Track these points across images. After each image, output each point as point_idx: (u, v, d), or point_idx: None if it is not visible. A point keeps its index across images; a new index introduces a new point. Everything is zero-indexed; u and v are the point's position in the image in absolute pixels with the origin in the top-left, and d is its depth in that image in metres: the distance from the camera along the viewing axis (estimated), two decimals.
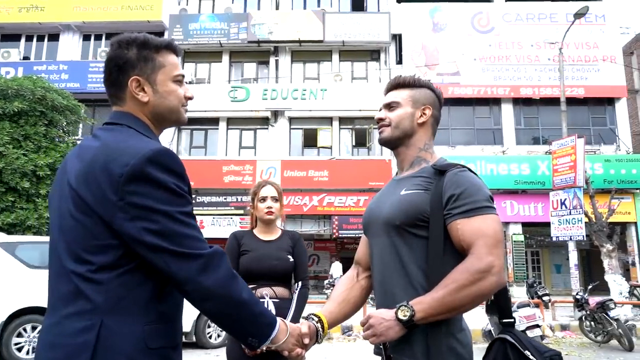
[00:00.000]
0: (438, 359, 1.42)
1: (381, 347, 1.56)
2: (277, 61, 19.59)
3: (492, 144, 18.40)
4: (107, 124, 1.38)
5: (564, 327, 10.68)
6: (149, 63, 1.37)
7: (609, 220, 12.78)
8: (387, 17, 18.98)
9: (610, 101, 18.72)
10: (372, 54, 19.75)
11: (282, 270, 2.79)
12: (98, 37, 19.99)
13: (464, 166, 1.59)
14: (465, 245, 1.45)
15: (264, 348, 2.56)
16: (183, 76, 1.45)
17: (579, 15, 13.15)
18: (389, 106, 1.71)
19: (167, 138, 18.55)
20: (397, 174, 1.77)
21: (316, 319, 1.64)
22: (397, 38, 19.28)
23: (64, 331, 1.19)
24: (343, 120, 19.06)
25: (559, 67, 14.64)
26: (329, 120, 19.02)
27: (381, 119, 1.72)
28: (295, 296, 2.81)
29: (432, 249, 1.49)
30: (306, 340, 1.54)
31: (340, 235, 17.94)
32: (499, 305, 1.57)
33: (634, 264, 17.17)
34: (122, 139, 1.29)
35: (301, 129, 19.13)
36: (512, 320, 1.55)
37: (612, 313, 8.45)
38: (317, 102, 18.61)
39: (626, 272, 16.14)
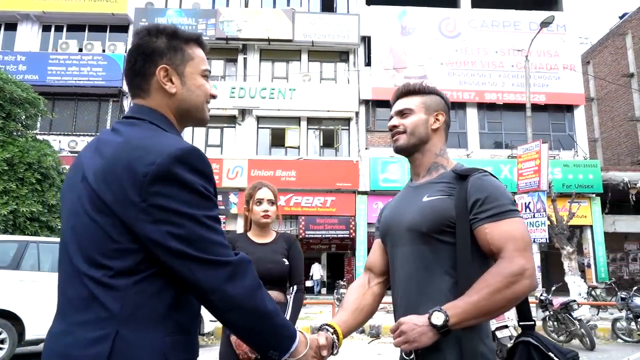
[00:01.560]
0: None
1: (411, 355, 1.51)
2: (245, 59, 19.38)
3: (457, 147, 18.74)
4: (127, 118, 1.27)
5: None
6: (179, 54, 1.29)
7: (569, 224, 13.21)
8: (356, 19, 19.07)
9: (569, 108, 19.39)
10: (341, 55, 19.80)
11: (278, 274, 2.72)
12: (59, 28, 19.26)
13: (485, 170, 1.59)
14: (495, 249, 1.45)
15: (254, 357, 2.52)
16: (210, 72, 1.37)
17: (545, 23, 13.55)
18: (402, 113, 1.70)
19: None
20: (411, 180, 1.76)
21: (332, 330, 1.58)
22: (366, 40, 19.40)
23: (75, 341, 1.08)
24: (311, 121, 19.03)
25: (525, 74, 15.05)
26: (297, 120, 18.96)
27: (395, 127, 1.70)
28: (290, 300, 2.75)
29: (461, 254, 1.48)
30: (324, 353, 1.48)
31: (306, 236, 17.90)
32: (520, 308, 1.56)
33: (589, 266, 17.83)
34: (147, 135, 1.19)
35: (269, 128, 18.99)
36: (533, 322, 1.55)
37: (575, 313, 8.72)
38: (285, 102, 18.51)
39: (582, 274, 16.74)
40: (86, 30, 19.26)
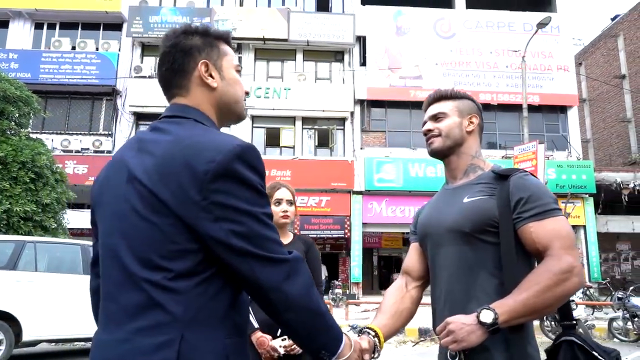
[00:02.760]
0: None
1: (457, 357, 1.50)
2: (240, 58, 19.25)
3: None
4: (168, 117, 1.25)
5: None
6: (215, 49, 1.30)
7: None
8: (351, 19, 19.05)
9: (562, 109, 19.51)
10: (336, 55, 19.78)
11: None
12: (51, 26, 19.04)
13: (525, 170, 1.61)
14: (541, 248, 1.46)
15: (282, 352, 2.48)
16: (242, 68, 1.37)
17: (542, 24, 13.62)
18: (435, 117, 1.73)
19: (125, 134, 17.94)
20: (447, 182, 1.77)
21: (373, 333, 1.58)
22: (361, 40, 19.39)
23: (136, 348, 1.04)
24: (306, 120, 18.99)
25: (519, 75, 15.11)
26: (292, 119, 18.91)
27: (429, 130, 1.73)
28: None
29: (505, 254, 1.48)
30: (366, 357, 1.47)
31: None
32: (560, 307, 1.55)
33: (582, 266, 17.93)
34: (198, 132, 1.17)
35: (264, 127, 18.93)
36: (574, 322, 1.56)
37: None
38: (280, 101, 18.46)
39: None
40: (79, 28, 19.07)
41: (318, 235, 18.40)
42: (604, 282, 16.90)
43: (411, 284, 1.79)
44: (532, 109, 18.28)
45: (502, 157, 18.24)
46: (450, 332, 1.40)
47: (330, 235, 18.37)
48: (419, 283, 1.78)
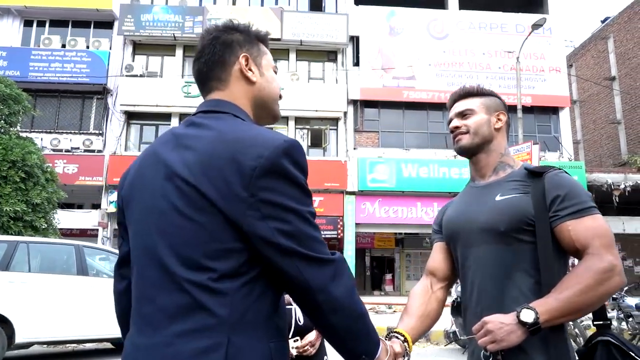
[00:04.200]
0: None
1: (496, 356, 1.44)
2: None
3: (444, 147, 18.80)
4: (206, 112, 1.20)
5: None
6: (255, 46, 1.29)
7: None
8: (345, 19, 19.03)
9: (554, 110, 19.65)
10: (329, 54, 19.75)
11: None
12: (41, 24, 18.79)
13: (559, 168, 1.57)
14: (580, 246, 1.42)
15: (294, 353, 2.44)
16: (277, 70, 1.36)
17: (536, 26, 13.68)
18: (462, 114, 1.69)
19: (116, 133, 17.75)
20: (473, 180, 1.73)
21: (402, 338, 1.53)
22: (354, 40, 19.37)
23: (180, 352, 0.99)
24: (299, 120, 18.93)
25: (512, 76, 15.18)
26: (284, 119, 18.81)
27: (457, 127, 1.69)
28: None
29: (543, 253, 1.45)
30: None
31: None
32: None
33: (573, 265, 18.03)
34: (242, 128, 1.12)
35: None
36: (609, 322, 1.52)
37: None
38: None
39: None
40: (69, 26, 18.83)
41: None
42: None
43: (436, 284, 1.74)
44: (525, 110, 18.34)
45: None
46: (489, 332, 1.36)
47: (323, 236, 18.07)
48: (444, 284, 1.74)
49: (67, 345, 8.27)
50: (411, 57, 19.02)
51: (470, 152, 1.68)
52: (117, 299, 1.30)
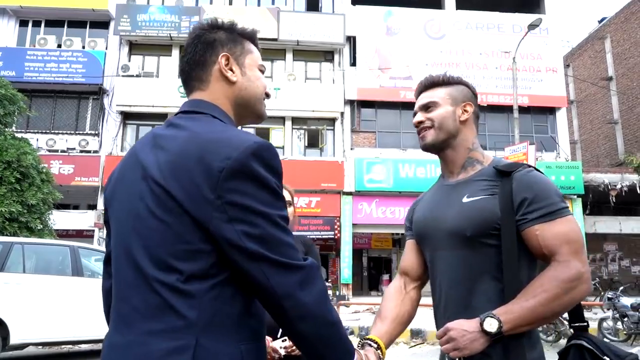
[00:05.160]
0: None
1: None
2: None
3: None
4: (185, 113, 1.20)
5: None
6: (238, 45, 1.27)
7: None
8: (342, 19, 19.01)
9: (551, 110, 19.67)
10: (326, 54, 19.73)
11: None
12: (37, 24, 18.72)
13: (530, 165, 1.49)
14: (548, 252, 1.36)
15: (283, 353, 2.41)
16: (265, 69, 1.34)
17: (532, 26, 13.69)
18: (426, 107, 1.59)
19: (112, 133, 17.68)
20: (443, 177, 1.65)
21: (375, 345, 1.49)
22: (351, 40, 19.35)
23: (150, 351, 0.99)
24: (296, 121, 18.91)
25: (509, 76, 15.19)
26: (281, 119, 18.81)
27: (420, 122, 1.60)
28: None
29: (507, 257, 1.39)
30: None
31: None
32: (572, 309, 1.47)
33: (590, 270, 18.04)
34: (215, 129, 1.11)
35: (253, 127, 18.74)
36: (585, 324, 1.47)
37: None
38: (269, 101, 18.16)
39: None
40: (65, 26, 18.76)
41: (308, 236, 18.32)
42: (593, 283, 17.03)
43: (410, 284, 1.69)
44: (521, 110, 18.39)
45: None
46: (452, 339, 1.34)
47: (320, 236, 18.29)
48: (417, 283, 1.69)
49: (63, 346, 8.23)
50: (408, 57, 19.02)
51: (436, 149, 1.60)
52: (105, 296, 1.31)
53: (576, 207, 18.32)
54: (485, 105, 19.01)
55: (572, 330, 1.50)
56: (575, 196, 18.27)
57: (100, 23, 18.81)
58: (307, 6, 20.02)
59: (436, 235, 1.54)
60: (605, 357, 1.35)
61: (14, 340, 6.43)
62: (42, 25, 18.69)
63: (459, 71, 19.03)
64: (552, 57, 19.57)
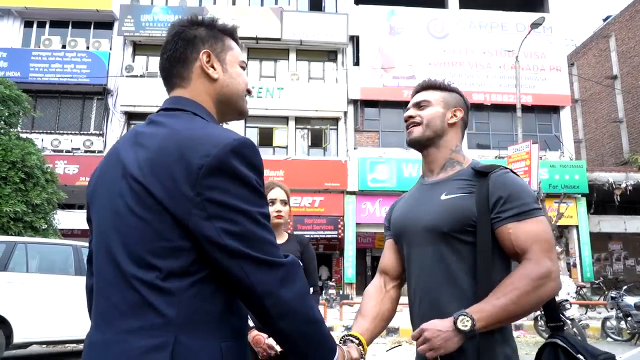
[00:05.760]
0: None
1: None
2: None
3: None
4: (165, 110, 1.20)
5: (517, 327, 11.01)
6: (219, 42, 1.27)
7: (557, 224, 13.31)
8: (345, 19, 19.01)
9: (555, 109, 19.59)
10: (329, 54, 19.73)
11: None
12: (41, 24, 18.82)
13: (506, 167, 1.56)
14: (519, 250, 1.42)
15: (278, 348, 2.43)
16: (246, 65, 1.35)
17: (535, 24, 13.64)
18: (419, 105, 1.68)
19: (116, 133, 17.76)
20: (423, 177, 1.72)
21: (357, 341, 1.54)
22: (354, 40, 19.34)
23: (128, 349, 0.99)
24: (299, 120, 18.92)
25: (513, 75, 15.14)
26: (285, 119, 18.83)
27: (411, 117, 1.68)
28: None
29: (481, 254, 1.45)
30: None
31: None
32: (547, 308, 1.52)
33: (575, 265, 18.01)
34: (195, 126, 1.12)
35: (257, 127, 18.82)
36: (561, 323, 1.50)
37: (567, 313, 8.76)
38: (273, 101, 18.37)
39: (568, 273, 16.90)
40: (70, 27, 18.85)
41: (311, 236, 18.33)
42: (596, 282, 16.98)
43: (389, 283, 1.74)
44: (525, 109, 18.34)
45: (495, 157, 18.27)
46: (427, 340, 1.37)
47: (324, 236, 18.31)
48: (396, 282, 1.74)
49: (66, 345, 8.28)
50: (411, 56, 19.00)
51: (421, 145, 1.66)
52: (88, 294, 1.30)
53: (580, 207, 18.25)
54: (489, 104, 18.98)
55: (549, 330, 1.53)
56: (580, 195, 18.20)
57: (104, 24, 18.88)
58: (310, 6, 20.02)
59: (414, 232, 1.59)
60: (579, 356, 1.39)
61: (17, 339, 6.48)
62: (47, 26, 18.78)
63: (462, 70, 19.03)
64: (556, 55, 19.49)
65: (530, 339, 9.85)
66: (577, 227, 18.18)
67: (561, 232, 13.80)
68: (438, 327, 1.37)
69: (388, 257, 1.75)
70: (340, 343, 1.45)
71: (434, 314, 1.45)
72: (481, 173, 1.52)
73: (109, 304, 1.05)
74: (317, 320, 1.11)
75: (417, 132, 1.65)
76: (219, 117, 1.27)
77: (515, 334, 10.48)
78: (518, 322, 11.34)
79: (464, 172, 1.58)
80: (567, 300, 9.12)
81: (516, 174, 1.54)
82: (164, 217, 1.02)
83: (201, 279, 1.04)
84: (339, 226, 17.87)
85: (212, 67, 1.23)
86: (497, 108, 19.08)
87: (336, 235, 18.07)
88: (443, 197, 1.54)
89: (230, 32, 1.31)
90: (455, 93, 1.70)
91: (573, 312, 9.01)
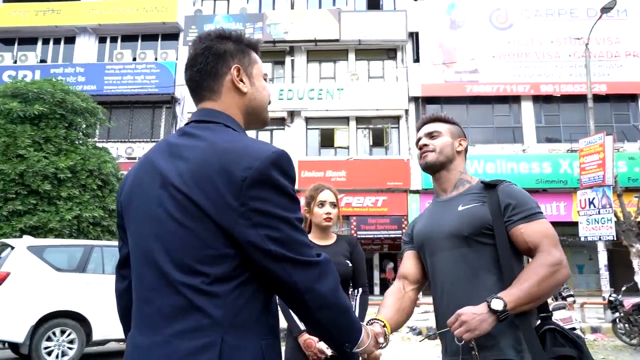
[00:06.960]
0: (532, 348, 1.59)
1: (470, 345, 1.63)
2: (292, 61, 19.47)
3: (511, 142, 18.13)
4: (198, 122, 1.26)
5: (594, 330, 10.44)
6: (246, 56, 1.33)
7: (637, 220, 12.47)
8: (403, 15, 18.79)
9: (633, 97, 18.38)
10: (388, 52, 19.57)
11: (342, 276, 2.64)
12: (114, 39, 20.00)
13: (509, 181, 1.85)
14: (532, 245, 1.68)
15: (329, 353, 2.46)
16: (267, 77, 1.41)
17: (606, 9, 12.86)
18: (431, 135, 1.93)
19: None
20: (437, 196, 1.96)
21: (382, 324, 1.72)
22: (414, 36, 19.08)
23: (177, 351, 1.05)
24: (360, 120, 18.90)
25: (585, 63, 14.36)
26: (345, 120, 18.87)
27: (425, 145, 1.92)
28: (357, 303, 2.75)
29: (502, 252, 1.70)
30: (380, 340, 1.59)
31: (358, 237, 17.75)
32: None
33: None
34: (231, 138, 1.18)
35: (318, 129, 18.99)
36: (550, 314, 1.75)
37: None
38: (333, 102, 18.46)
39: None
40: (139, 40, 19.90)
41: (375, 236, 18.28)
42: None
43: (408, 286, 1.94)
44: (599, 98, 17.31)
45: (567, 150, 17.41)
46: (463, 322, 1.54)
47: (388, 235, 18.17)
48: (415, 286, 1.95)
49: None
50: (474, 50, 18.46)
51: (435, 169, 1.91)
52: (119, 298, 1.38)
53: None
54: (559, 95, 18.11)
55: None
56: None
57: (171, 35, 19.76)
58: (368, 5, 19.95)
59: (437, 240, 1.83)
60: (570, 336, 1.65)
61: (96, 336, 6.92)
62: (119, 40, 19.93)
63: (528, 61, 18.28)
64: (632, 40, 18.26)
65: (609, 343, 9.28)
66: None
67: None
68: (473, 310, 1.55)
69: (408, 264, 1.97)
70: (366, 325, 1.59)
71: (459, 307, 1.60)
72: (490, 185, 1.81)
73: (153, 308, 1.11)
74: (347, 309, 1.24)
75: (431, 157, 1.90)
76: (245, 127, 1.34)
77: (592, 337, 9.97)
78: (595, 324, 10.74)
79: (474, 188, 1.85)
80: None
81: (518, 186, 1.81)
82: (207, 225, 1.09)
83: (243, 281, 1.11)
84: (403, 226, 17.66)
85: (242, 81, 1.29)
86: (568, 99, 18.14)
87: (400, 235, 17.87)
88: (460, 207, 1.80)
89: (254, 46, 1.36)
90: (457, 125, 1.98)
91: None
